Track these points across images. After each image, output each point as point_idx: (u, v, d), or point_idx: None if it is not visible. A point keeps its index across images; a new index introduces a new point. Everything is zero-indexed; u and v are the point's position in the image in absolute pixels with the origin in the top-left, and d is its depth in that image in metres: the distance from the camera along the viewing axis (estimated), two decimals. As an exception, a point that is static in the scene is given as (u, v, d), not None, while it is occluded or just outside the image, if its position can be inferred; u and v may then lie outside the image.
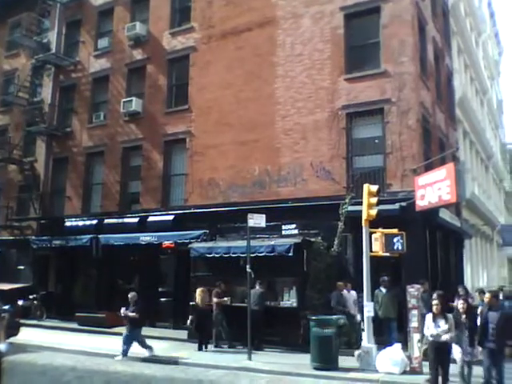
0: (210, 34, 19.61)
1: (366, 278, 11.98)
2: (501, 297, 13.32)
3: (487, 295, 9.60)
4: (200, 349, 14.06)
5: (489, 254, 28.98)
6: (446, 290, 15.06)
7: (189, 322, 14.73)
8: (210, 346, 14.27)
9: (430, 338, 9.07)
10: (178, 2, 21.27)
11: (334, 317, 12.41)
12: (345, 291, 14.05)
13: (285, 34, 17.76)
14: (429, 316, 9.28)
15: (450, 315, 9.24)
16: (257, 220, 13.34)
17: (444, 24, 21.58)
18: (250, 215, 13.22)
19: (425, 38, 17.41)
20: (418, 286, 11.90)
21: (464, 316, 9.67)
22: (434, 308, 9.13)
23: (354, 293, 14.05)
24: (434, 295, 9.70)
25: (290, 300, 14.67)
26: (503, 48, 51.02)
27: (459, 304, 10.00)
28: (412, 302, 11.55)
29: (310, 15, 17.36)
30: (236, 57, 18.70)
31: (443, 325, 8.95)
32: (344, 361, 11.68)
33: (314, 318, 11.98)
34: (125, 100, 20.89)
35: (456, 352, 9.61)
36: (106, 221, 20.05)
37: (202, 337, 14.24)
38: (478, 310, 10.63)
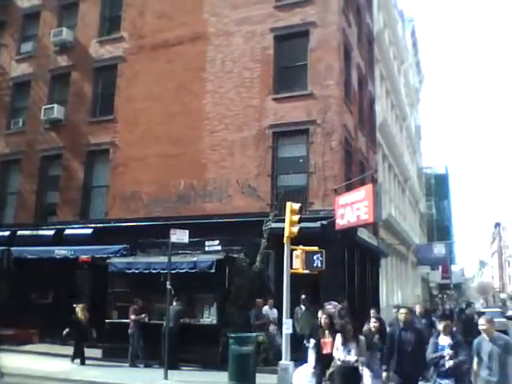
0: (140, 44, 19.33)
1: (286, 295, 12.03)
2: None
3: (403, 311, 8.27)
4: (73, 361, 14.00)
5: (404, 273, 30.28)
6: (363, 306, 15.67)
7: (65, 333, 14.23)
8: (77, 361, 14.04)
9: (338, 362, 8.12)
10: (108, 11, 20.85)
11: (254, 334, 12.40)
12: (266, 308, 14.09)
13: (216, 51, 17.85)
14: (338, 336, 8.32)
15: (362, 338, 8.37)
16: (179, 235, 13.05)
17: (368, 51, 22.63)
18: (172, 230, 12.92)
19: (350, 64, 18.16)
20: (336, 303, 12.13)
21: (377, 336, 9.19)
22: (346, 333, 8.16)
23: (275, 310, 14.09)
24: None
25: (209, 317, 14.46)
26: (424, 76, 54.37)
27: (371, 323, 9.61)
28: (329, 319, 11.72)
29: (241, 34, 17.59)
30: (166, 70, 18.51)
31: (354, 350, 7.98)
32: (262, 378, 11.64)
33: (232, 335, 11.87)
34: (46, 107, 20.03)
35: (366, 376, 8.82)
36: (20, 232, 18.98)
37: (81, 350, 14.10)
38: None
